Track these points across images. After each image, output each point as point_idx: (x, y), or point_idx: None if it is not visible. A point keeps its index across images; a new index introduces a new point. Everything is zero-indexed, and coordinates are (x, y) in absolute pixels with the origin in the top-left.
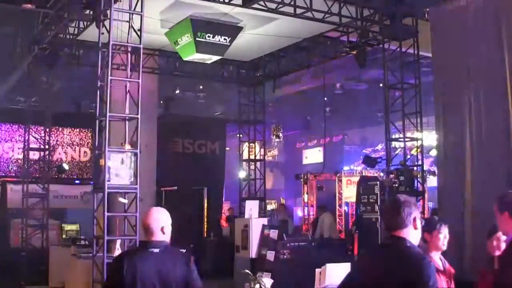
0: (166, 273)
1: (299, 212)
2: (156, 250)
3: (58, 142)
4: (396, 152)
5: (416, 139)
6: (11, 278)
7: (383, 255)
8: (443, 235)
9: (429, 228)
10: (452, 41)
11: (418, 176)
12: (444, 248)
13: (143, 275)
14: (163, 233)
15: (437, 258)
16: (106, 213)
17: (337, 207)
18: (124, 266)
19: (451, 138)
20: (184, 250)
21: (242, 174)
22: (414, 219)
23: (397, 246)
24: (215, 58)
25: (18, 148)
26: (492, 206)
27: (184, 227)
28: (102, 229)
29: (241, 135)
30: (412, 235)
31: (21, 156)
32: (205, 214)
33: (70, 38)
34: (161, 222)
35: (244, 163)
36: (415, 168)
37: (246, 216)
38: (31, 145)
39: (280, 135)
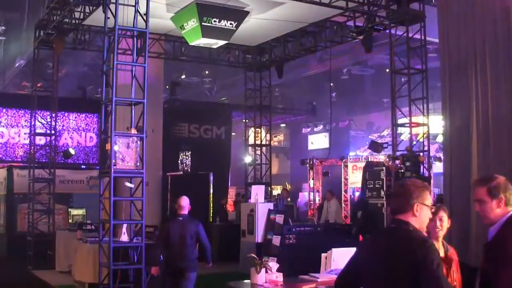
0: (184, 230)
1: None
2: (181, 218)
3: (64, 127)
4: (402, 137)
5: (423, 125)
6: (18, 262)
7: (385, 238)
8: (434, 222)
9: None
10: (459, 26)
11: (424, 161)
12: (439, 234)
13: (173, 231)
14: (186, 210)
15: (437, 246)
16: (112, 198)
17: (343, 192)
18: (166, 226)
19: (457, 123)
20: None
21: (247, 159)
22: (413, 205)
23: (400, 229)
24: (221, 42)
25: (24, 134)
26: None
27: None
28: (108, 214)
29: (247, 120)
30: (415, 220)
31: (27, 141)
32: (211, 199)
33: (76, 23)
34: (186, 203)
35: (249, 148)
36: (421, 153)
37: (252, 200)
38: (37, 130)
39: None
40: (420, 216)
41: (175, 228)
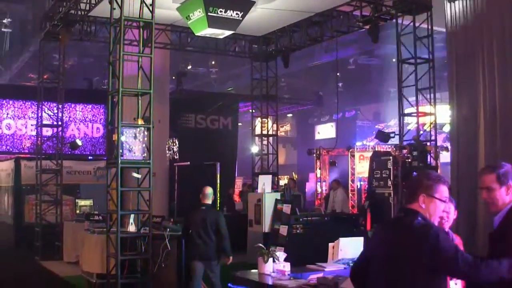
0: (206, 219)
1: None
2: (204, 208)
3: (71, 119)
4: (409, 127)
5: (430, 114)
6: (26, 253)
7: (391, 227)
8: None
9: None
10: (466, 15)
11: (431, 151)
12: (445, 226)
13: (195, 220)
14: (210, 199)
15: None
16: (119, 188)
17: (350, 182)
18: (189, 215)
19: (464, 113)
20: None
21: (254, 149)
22: (419, 196)
23: (407, 218)
24: (227, 33)
25: (31, 125)
26: None
27: (197, 202)
28: (115, 204)
29: (253, 110)
30: (422, 211)
31: (34, 133)
32: (218, 189)
33: (81, 14)
34: (208, 193)
35: (256, 138)
36: (428, 143)
37: (259, 190)
38: (44, 122)
39: None
40: (428, 208)
41: (197, 217)
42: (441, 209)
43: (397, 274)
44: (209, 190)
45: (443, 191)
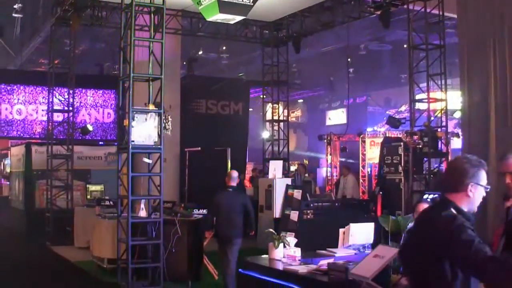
0: (234, 200)
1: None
2: (231, 190)
3: (81, 104)
4: (421, 113)
5: (440, 100)
6: (37, 238)
7: (421, 216)
8: None
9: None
10: (477, 1)
11: (442, 137)
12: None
13: (224, 201)
14: (235, 182)
15: None
16: (130, 174)
17: (361, 168)
18: (217, 196)
19: (475, 99)
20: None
21: (265, 134)
22: (467, 185)
23: (438, 208)
24: (239, 18)
25: (42, 110)
26: None
27: (208, 187)
28: (126, 189)
29: (264, 96)
30: (464, 200)
31: (45, 118)
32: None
33: (92, 0)
34: (235, 176)
35: (267, 123)
36: (439, 129)
37: (270, 176)
38: (55, 107)
39: None
40: (474, 197)
41: (225, 199)
42: (483, 195)
43: (416, 264)
44: (235, 173)
45: (485, 177)
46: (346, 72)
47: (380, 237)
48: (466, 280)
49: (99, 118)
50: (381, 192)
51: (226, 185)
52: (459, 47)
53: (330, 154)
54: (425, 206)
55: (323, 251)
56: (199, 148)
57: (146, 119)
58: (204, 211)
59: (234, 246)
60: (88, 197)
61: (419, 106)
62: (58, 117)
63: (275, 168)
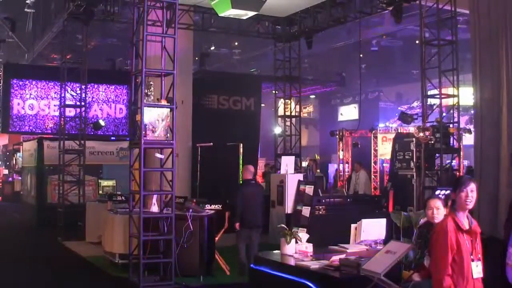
0: (255, 192)
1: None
2: (253, 182)
3: (93, 99)
4: (433, 109)
5: (453, 96)
6: (49, 233)
7: None
8: (465, 194)
9: (454, 187)
10: None
11: (454, 133)
12: (470, 206)
13: (247, 192)
14: (254, 176)
15: (463, 218)
16: (142, 169)
17: (372, 164)
18: (241, 189)
19: (487, 95)
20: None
21: (277, 130)
22: None
23: None
24: (251, 14)
25: (54, 105)
26: None
27: (220, 183)
28: (138, 185)
29: (276, 91)
30: None
31: (57, 113)
32: (241, 170)
33: None
34: (253, 170)
35: (279, 119)
36: (451, 125)
37: (282, 171)
38: (67, 102)
39: None
40: None
41: (250, 190)
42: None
43: None
44: (252, 168)
45: None
46: (358, 68)
47: (392, 232)
48: None
49: (111, 113)
50: (393, 188)
51: (246, 179)
52: (471, 43)
53: (342, 150)
54: (437, 201)
55: (335, 247)
56: (211, 144)
57: (158, 115)
58: (217, 206)
59: (259, 230)
60: (100, 192)
61: (431, 101)
62: (70, 112)
63: (287, 163)
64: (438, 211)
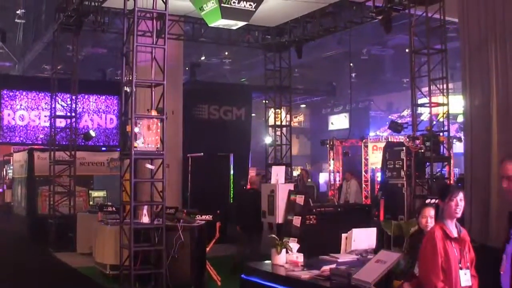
0: (254, 200)
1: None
2: (252, 191)
3: (84, 110)
4: (422, 117)
5: (442, 105)
6: (39, 244)
7: None
8: (455, 202)
9: (441, 195)
10: (478, 5)
11: (444, 141)
12: (459, 215)
13: (244, 201)
14: (253, 185)
15: (451, 226)
16: (133, 179)
17: (363, 173)
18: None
19: (477, 103)
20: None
21: (268, 140)
22: None
23: None
24: (241, 24)
25: (45, 116)
26: None
27: (211, 193)
28: (129, 195)
29: (267, 101)
30: None
31: (47, 124)
32: (232, 180)
33: (95, 5)
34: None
35: (270, 129)
36: (441, 133)
37: (272, 181)
38: (58, 113)
39: None
40: None
41: (245, 200)
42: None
43: None
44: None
45: None
46: (348, 77)
47: (383, 242)
48: None
49: (102, 123)
50: (383, 197)
51: (248, 188)
52: (460, 51)
53: (333, 159)
54: (431, 210)
55: (326, 257)
56: (202, 154)
57: (148, 125)
58: (208, 217)
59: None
60: (91, 203)
61: (421, 110)
62: (60, 123)
63: (278, 173)
64: (432, 219)
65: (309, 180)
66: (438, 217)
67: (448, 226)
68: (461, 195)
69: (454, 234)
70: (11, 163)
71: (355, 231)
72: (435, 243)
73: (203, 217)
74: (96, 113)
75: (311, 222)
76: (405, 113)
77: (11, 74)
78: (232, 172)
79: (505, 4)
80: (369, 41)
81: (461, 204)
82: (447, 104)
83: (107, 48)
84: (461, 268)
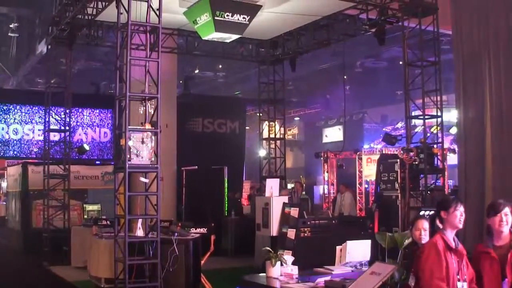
0: None
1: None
2: None
3: (78, 123)
4: (416, 130)
5: (436, 117)
6: (34, 258)
7: None
8: (459, 213)
9: (445, 206)
10: (472, 18)
11: (438, 153)
12: (460, 226)
13: None
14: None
15: (451, 237)
16: (127, 193)
17: (357, 185)
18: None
19: (471, 115)
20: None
21: (262, 153)
22: None
23: None
24: (234, 37)
25: (39, 130)
26: None
27: (205, 206)
28: (123, 209)
29: (261, 114)
30: None
31: (41, 138)
32: (226, 193)
33: (88, 19)
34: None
35: (264, 142)
36: (435, 145)
37: (267, 194)
38: (52, 127)
39: None
40: None
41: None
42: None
43: None
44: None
45: None
46: (342, 89)
47: (377, 254)
48: None
49: (96, 137)
50: (378, 209)
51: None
52: (454, 63)
53: (327, 172)
54: (424, 222)
55: (320, 269)
56: (196, 167)
57: (142, 139)
58: (202, 229)
59: None
60: (85, 216)
61: (415, 122)
62: (54, 136)
63: (272, 186)
64: (426, 232)
65: (303, 192)
66: (438, 227)
67: (448, 236)
68: (462, 208)
69: (453, 245)
70: (5, 177)
71: (350, 243)
72: (439, 251)
73: (198, 230)
74: (90, 127)
75: (306, 234)
76: (399, 125)
77: (4, 87)
78: (226, 185)
79: (498, 16)
80: (363, 53)
81: (464, 215)
82: (441, 116)
83: (101, 62)
84: (459, 280)
